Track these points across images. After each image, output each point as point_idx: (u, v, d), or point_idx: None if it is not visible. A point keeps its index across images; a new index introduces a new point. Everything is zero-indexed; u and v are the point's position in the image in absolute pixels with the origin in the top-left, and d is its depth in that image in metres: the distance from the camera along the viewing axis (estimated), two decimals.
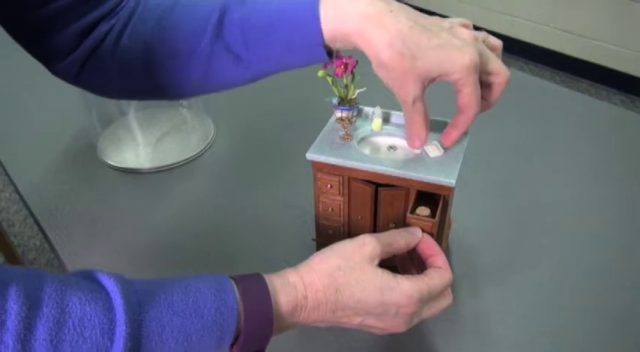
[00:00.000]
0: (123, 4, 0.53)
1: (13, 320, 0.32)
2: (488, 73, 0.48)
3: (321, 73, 0.56)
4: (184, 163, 0.82)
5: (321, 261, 0.46)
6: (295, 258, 0.64)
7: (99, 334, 0.35)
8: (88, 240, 0.69)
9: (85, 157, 0.84)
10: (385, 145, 0.57)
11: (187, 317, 0.39)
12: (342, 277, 0.44)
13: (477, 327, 0.56)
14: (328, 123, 0.60)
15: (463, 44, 0.45)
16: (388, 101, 0.59)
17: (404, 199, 0.54)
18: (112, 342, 0.35)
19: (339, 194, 0.57)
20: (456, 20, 0.50)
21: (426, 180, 0.52)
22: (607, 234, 0.66)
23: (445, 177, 0.51)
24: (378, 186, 0.54)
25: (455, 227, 0.65)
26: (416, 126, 0.50)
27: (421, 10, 0.49)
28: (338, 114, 0.59)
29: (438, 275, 0.47)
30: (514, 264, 0.63)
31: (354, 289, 0.44)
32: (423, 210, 0.52)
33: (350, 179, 0.55)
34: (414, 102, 0.47)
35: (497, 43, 0.51)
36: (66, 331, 0.34)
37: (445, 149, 0.53)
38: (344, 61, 0.55)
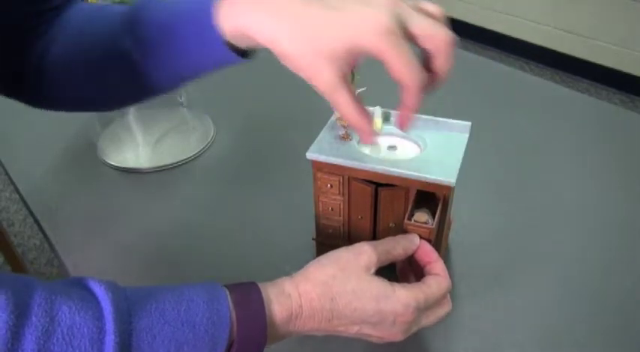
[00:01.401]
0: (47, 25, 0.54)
1: (1, 329, 0.32)
2: (416, 37, 0.40)
3: None
4: (184, 163, 0.82)
5: (316, 270, 0.45)
6: (295, 257, 0.64)
7: (88, 343, 0.35)
8: (88, 239, 0.69)
9: (85, 157, 0.84)
10: (385, 145, 0.57)
11: (179, 327, 0.38)
12: (338, 286, 0.44)
13: (477, 327, 0.56)
14: (328, 123, 0.60)
15: (371, 9, 0.38)
16: (388, 101, 0.59)
17: (404, 199, 0.54)
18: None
19: (339, 194, 0.57)
20: None
21: (425, 180, 0.52)
22: (607, 234, 0.66)
23: (445, 177, 0.51)
24: (378, 185, 0.54)
25: (455, 227, 0.65)
26: (351, 117, 0.42)
27: None
28: (338, 113, 0.59)
29: (436, 282, 0.46)
30: (514, 263, 0.63)
31: (349, 298, 0.43)
32: (421, 217, 0.51)
33: (350, 179, 0.55)
34: (334, 90, 0.40)
35: (435, 9, 0.43)
36: (54, 340, 0.34)
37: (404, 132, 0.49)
38: None
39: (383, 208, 0.56)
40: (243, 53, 0.46)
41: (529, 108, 0.91)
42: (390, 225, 0.57)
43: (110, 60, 0.50)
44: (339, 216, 0.59)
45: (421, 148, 0.56)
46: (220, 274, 0.62)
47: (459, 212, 0.65)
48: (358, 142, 0.57)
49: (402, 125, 0.45)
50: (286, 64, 0.41)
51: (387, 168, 0.53)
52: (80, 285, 0.38)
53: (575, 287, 0.60)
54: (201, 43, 0.45)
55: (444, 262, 0.62)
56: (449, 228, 0.64)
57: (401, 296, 0.44)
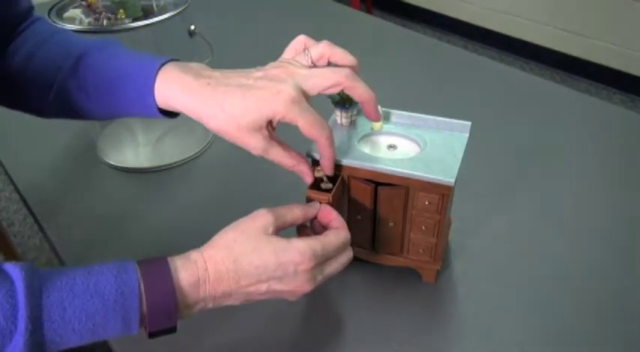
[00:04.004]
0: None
1: None
2: (318, 93, 0.50)
3: None
4: (184, 163, 0.82)
5: (219, 237, 0.48)
6: None
7: (2, 319, 0.37)
8: (87, 239, 0.69)
9: (85, 157, 0.84)
10: (385, 144, 0.57)
11: (88, 299, 0.41)
12: (239, 247, 0.46)
13: (477, 327, 0.56)
14: (328, 122, 0.60)
15: (278, 84, 0.48)
16: (388, 101, 0.59)
17: (403, 198, 0.54)
18: (15, 327, 0.38)
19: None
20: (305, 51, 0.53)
21: (425, 179, 0.52)
22: (607, 234, 0.66)
23: (444, 176, 0.51)
24: (378, 184, 0.54)
25: (455, 226, 0.65)
26: (289, 166, 0.51)
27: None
28: (338, 113, 0.59)
29: (333, 233, 0.50)
30: (514, 263, 0.63)
31: (251, 257, 0.46)
32: (326, 185, 0.53)
33: (350, 178, 0.55)
34: (266, 152, 0.49)
35: (320, 50, 0.52)
36: None
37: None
38: None
39: (382, 207, 0.56)
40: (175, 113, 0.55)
41: (529, 108, 0.91)
42: (390, 224, 0.57)
43: (54, 90, 0.58)
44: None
45: (421, 148, 0.56)
46: None
47: (459, 212, 0.65)
48: (358, 141, 0.57)
49: (328, 170, 0.53)
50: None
51: (387, 168, 0.53)
52: None
53: (575, 287, 0.60)
54: (139, 107, 0.54)
55: (444, 262, 0.62)
56: (449, 228, 0.64)
57: (298, 246, 0.47)
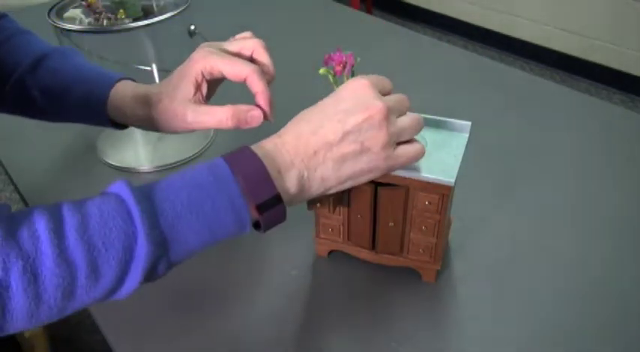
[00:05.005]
0: None
1: (44, 233, 0.37)
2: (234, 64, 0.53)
3: (322, 70, 0.56)
4: (184, 163, 0.82)
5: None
6: (295, 256, 0.64)
7: (121, 221, 0.39)
8: None
9: (85, 157, 0.84)
10: None
11: (190, 190, 0.42)
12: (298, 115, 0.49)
13: (477, 327, 0.56)
14: None
15: (193, 55, 0.55)
16: None
17: (403, 198, 0.54)
18: (135, 226, 0.40)
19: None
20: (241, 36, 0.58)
21: (425, 179, 0.52)
22: (607, 234, 0.66)
23: (444, 176, 0.51)
24: (378, 185, 0.54)
25: (455, 226, 0.65)
26: (233, 117, 0.55)
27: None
28: None
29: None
30: (514, 263, 0.63)
31: (315, 105, 0.48)
32: None
33: None
34: (197, 115, 0.55)
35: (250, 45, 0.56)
36: (91, 227, 0.39)
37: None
38: (343, 58, 0.55)
39: (382, 207, 0.56)
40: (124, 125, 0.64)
41: (529, 108, 0.91)
42: (390, 224, 0.57)
43: (10, 84, 0.62)
44: (339, 215, 0.59)
45: None
46: (220, 274, 0.62)
47: (459, 212, 0.65)
48: None
49: (264, 105, 0.54)
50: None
51: None
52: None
53: (575, 287, 0.60)
54: (92, 118, 0.62)
55: (444, 262, 0.63)
56: (449, 228, 0.64)
57: (348, 82, 0.48)
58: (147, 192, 0.42)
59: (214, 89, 0.59)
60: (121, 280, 0.40)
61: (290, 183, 0.45)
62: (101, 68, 0.62)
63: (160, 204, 0.41)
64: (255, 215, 0.44)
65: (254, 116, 0.54)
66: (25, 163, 0.84)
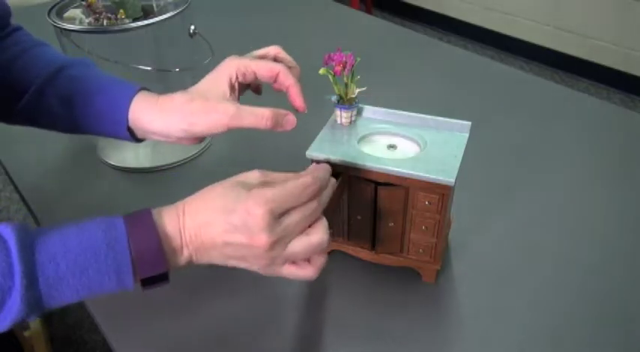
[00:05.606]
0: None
1: None
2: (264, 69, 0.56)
3: (322, 70, 0.56)
4: (184, 163, 0.82)
5: (205, 188, 0.49)
6: None
7: (0, 277, 0.39)
8: None
9: (85, 157, 0.84)
10: (385, 144, 0.58)
11: (80, 253, 0.42)
12: (209, 194, 0.47)
13: (477, 327, 0.56)
14: (328, 122, 0.60)
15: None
16: (388, 101, 0.59)
17: (403, 198, 0.54)
18: (12, 282, 0.39)
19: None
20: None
21: (425, 179, 0.52)
22: (607, 234, 0.66)
23: (444, 176, 0.51)
24: (378, 184, 0.54)
25: (455, 226, 0.65)
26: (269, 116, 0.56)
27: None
28: (338, 113, 0.59)
29: (293, 177, 0.47)
30: (513, 263, 0.63)
31: (215, 202, 0.46)
32: None
33: (350, 177, 0.55)
34: (239, 114, 0.56)
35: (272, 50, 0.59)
36: None
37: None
38: (343, 58, 0.55)
39: (382, 207, 0.56)
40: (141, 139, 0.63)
41: (529, 108, 0.91)
42: (390, 224, 0.57)
43: (28, 96, 0.61)
44: (339, 214, 0.59)
45: (421, 147, 0.56)
46: (220, 273, 0.62)
47: (459, 212, 0.65)
48: (358, 141, 0.57)
49: (296, 101, 0.57)
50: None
51: (387, 168, 0.53)
52: None
53: (575, 286, 0.60)
54: (113, 130, 0.60)
55: (444, 262, 0.63)
56: (449, 228, 0.64)
57: (253, 192, 0.45)
58: (34, 246, 0.41)
59: (238, 97, 0.60)
60: None
61: (180, 262, 0.46)
62: (120, 78, 0.62)
63: (44, 264, 0.41)
64: (137, 281, 0.45)
65: (289, 120, 0.55)
66: (25, 163, 0.83)
